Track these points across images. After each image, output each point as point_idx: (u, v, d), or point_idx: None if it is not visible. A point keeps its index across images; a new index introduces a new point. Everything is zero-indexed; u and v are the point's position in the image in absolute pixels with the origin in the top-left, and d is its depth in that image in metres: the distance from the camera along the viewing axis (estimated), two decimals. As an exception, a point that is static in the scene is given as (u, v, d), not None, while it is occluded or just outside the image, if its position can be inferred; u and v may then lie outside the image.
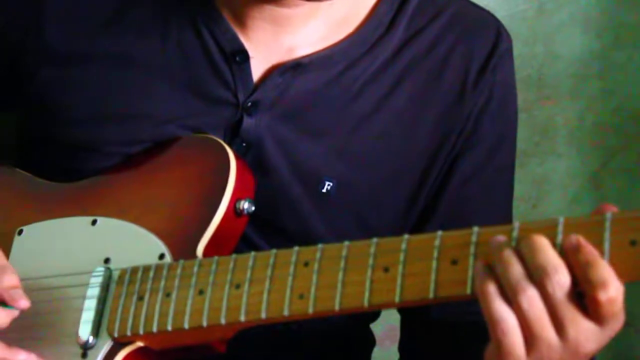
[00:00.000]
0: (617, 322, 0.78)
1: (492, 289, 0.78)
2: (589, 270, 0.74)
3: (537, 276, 0.76)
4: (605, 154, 1.73)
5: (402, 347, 1.21)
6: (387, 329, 1.30)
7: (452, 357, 1.05)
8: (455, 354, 1.03)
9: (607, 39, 1.66)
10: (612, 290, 0.74)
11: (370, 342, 1.29)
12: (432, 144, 1.11)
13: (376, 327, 1.27)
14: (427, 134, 1.11)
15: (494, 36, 1.13)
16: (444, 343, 1.08)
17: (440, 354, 1.08)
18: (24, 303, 0.99)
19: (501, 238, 0.80)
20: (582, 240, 0.76)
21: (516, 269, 0.77)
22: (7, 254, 1.09)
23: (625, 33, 1.64)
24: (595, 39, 1.66)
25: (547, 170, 1.72)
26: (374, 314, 1.25)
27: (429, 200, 1.12)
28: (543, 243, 0.77)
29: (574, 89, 1.68)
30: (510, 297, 0.76)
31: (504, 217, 1.13)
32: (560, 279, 0.76)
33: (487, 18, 1.16)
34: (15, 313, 0.99)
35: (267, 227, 1.08)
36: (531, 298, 0.76)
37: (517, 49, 1.23)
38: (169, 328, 0.93)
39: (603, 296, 0.74)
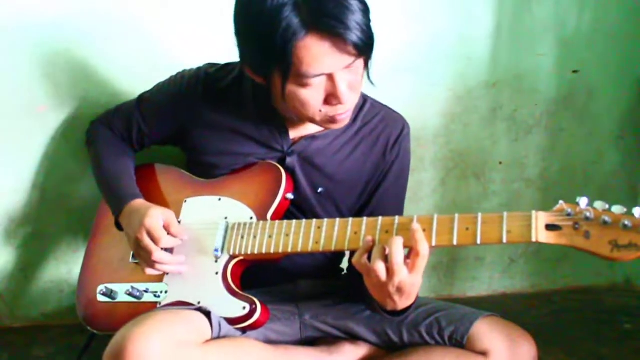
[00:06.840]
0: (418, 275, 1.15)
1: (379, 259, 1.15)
2: (415, 245, 1.13)
3: (392, 259, 1.15)
4: (447, 170, 2.19)
5: (348, 271, 1.64)
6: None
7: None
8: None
9: (448, 117, 2.13)
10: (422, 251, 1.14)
11: (339, 270, 1.70)
12: (370, 174, 1.52)
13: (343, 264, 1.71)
14: (368, 170, 1.52)
15: (401, 127, 1.54)
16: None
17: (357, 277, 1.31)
18: (185, 237, 1.40)
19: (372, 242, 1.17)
20: (417, 225, 1.15)
21: (381, 266, 1.15)
22: (180, 212, 1.49)
23: (457, 113, 2.13)
24: (443, 117, 2.12)
25: (421, 178, 2.17)
26: (342, 256, 1.70)
27: (368, 197, 1.53)
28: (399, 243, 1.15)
29: (432, 141, 2.14)
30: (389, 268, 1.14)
31: (400, 205, 1.59)
32: (401, 271, 1.13)
33: (399, 117, 1.57)
34: (178, 242, 1.37)
35: (296, 207, 1.49)
36: (381, 270, 1.16)
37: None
38: (256, 252, 1.36)
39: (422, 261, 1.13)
